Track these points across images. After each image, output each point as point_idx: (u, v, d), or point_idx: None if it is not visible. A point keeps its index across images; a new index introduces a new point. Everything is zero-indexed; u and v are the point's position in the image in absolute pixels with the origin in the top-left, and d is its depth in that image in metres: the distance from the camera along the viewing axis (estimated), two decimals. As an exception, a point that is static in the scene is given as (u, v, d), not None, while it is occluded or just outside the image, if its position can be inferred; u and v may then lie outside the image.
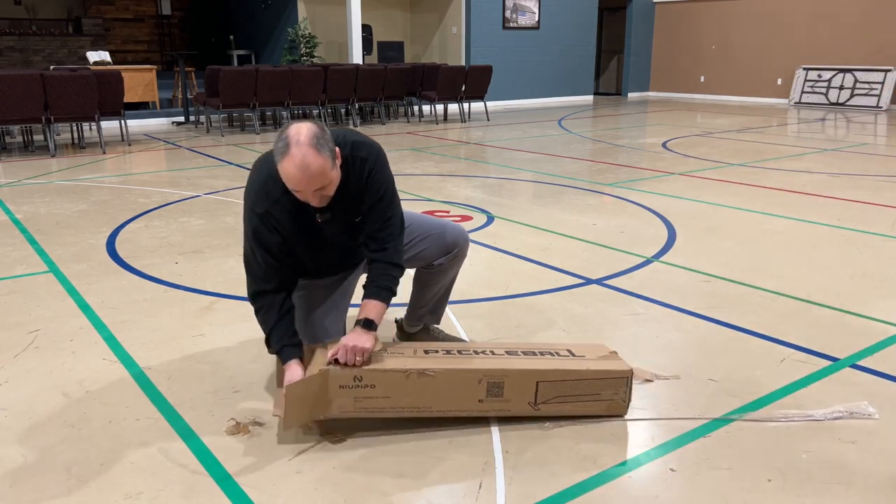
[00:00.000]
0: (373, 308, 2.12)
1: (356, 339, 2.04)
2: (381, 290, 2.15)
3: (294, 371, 2.06)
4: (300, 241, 2.18)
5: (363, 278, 2.29)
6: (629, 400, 2.17)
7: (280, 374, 2.15)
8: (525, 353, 2.18)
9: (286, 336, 2.13)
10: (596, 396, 2.13)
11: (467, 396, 2.08)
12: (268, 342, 2.16)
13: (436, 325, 2.66)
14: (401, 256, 2.21)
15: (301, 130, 1.90)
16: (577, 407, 2.14)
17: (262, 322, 2.16)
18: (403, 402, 2.06)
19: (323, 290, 2.37)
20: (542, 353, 2.18)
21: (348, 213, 2.17)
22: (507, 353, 2.18)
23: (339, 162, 2.00)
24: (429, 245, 2.38)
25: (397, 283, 2.19)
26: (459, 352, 2.19)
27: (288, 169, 1.89)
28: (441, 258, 2.41)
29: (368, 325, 2.09)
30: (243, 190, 2.19)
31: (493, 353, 2.19)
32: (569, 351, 2.22)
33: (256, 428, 2.13)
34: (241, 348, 2.71)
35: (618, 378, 2.13)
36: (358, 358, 2.03)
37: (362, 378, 2.02)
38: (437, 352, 2.18)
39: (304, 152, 1.87)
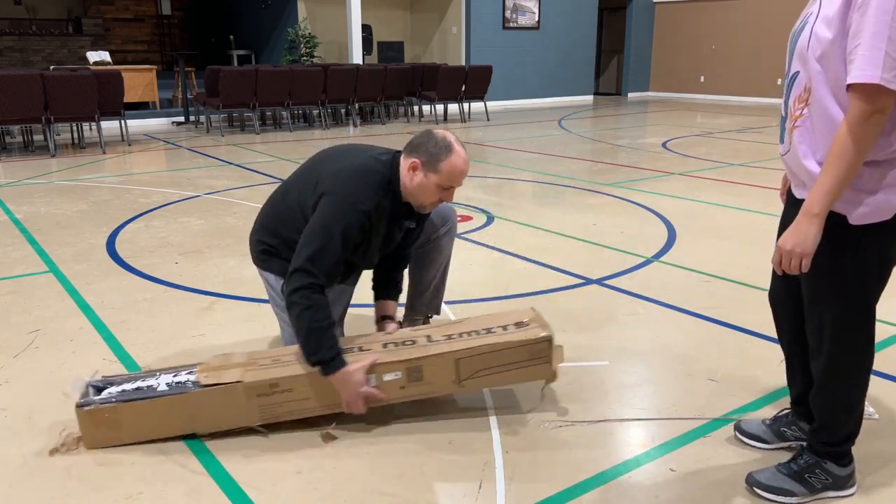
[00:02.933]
0: (392, 307, 2.47)
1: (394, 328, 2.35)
2: (398, 291, 2.49)
3: (358, 375, 2.02)
4: (377, 246, 2.26)
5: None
6: (555, 363, 2.16)
7: (350, 384, 2.04)
8: (447, 338, 2.18)
9: (337, 342, 2.05)
10: (520, 364, 2.14)
11: (390, 386, 2.10)
12: (321, 345, 2.00)
13: (437, 317, 2.69)
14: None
15: (451, 134, 2.17)
16: (504, 377, 2.16)
17: (313, 320, 1.99)
18: (324, 400, 2.08)
19: (332, 292, 2.38)
20: (461, 335, 2.20)
21: (420, 224, 2.40)
22: (429, 340, 2.19)
23: None
24: (430, 216, 2.52)
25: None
26: (385, 345, 2.20)
27: (457, 163, 2.13)
28: (439, 229, 2.54)
29: (392, 319, 2.44)
30: (332, 181, 2.15)
31: (413, 342, 2.19)
32: (487, 328, 2.22)
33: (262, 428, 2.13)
34: (241, 348, 2.71)
35: (537, 343, 2.12)
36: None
37: (279, 384, 2.04)
38: (350, 350, 2.16)
39: (463, 149, 2.16)
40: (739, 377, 2.46)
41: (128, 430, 2.02)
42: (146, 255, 3.92)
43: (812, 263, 1.58)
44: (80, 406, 1.99)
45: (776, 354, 2.64)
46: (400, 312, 2.87)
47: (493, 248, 4.06)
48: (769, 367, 2.54)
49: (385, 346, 2.19)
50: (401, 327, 2.44)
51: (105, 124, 8.97)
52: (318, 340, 1.99)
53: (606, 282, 3.46)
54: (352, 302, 2.54)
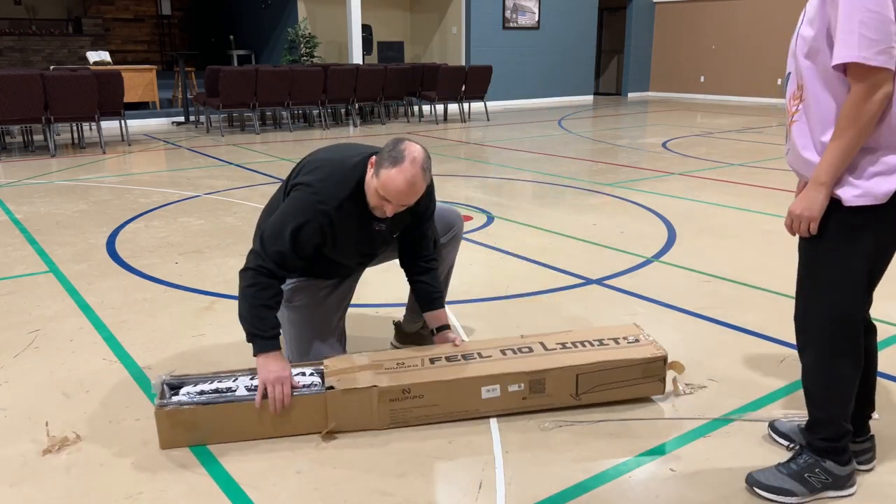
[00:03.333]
0: (444, 315, 2.41)
1: (450, 338, 2.34)
2: (442, 296, 2.43)
3: (279, 362, 2.03)
4: (345, 246, 2.22)
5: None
6: (665, 380, 2.26)
7: (268, 363, 2.04)
8: (562, 347, 2.27)
9: (275, 326, 2.08)
10: (634, 381, 2.23)
11: (512, 397, 2.16)
12: (255, 321, 2.05)
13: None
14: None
15: (418, 151, 2.05)
16: (617, 393, 2.23)
17: (253, 297, 2.05)
18: (451, 408, 2.13)
19: (332, 291, 2.38)
20: (575, 344, 2.29)
21: (395, 229, 2.31)
22: (545, 348, 2.27)
23: None
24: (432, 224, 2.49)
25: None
26: (503, 351, 2.26)
27: (396, 179, 1.99)
28: (444, 236, 2.52)
29: (449, 328, 2.41)
30: (307, 168, 2.18)
31: (530, 349, 2.27)
32: (599, 340, 2.32)
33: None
34: (241, 348, 2.71)
35: (654, 362, 2.22)
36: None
37: (411, 390, 2.09)
38: (471, 356, 2.24)
39: (416, 172, 2.02)
40: (739, 377, 2.46)
41: (204, 432, 2.02)
42: (146, 255, 3.92)
43: (809, 246, 1.70)
44: (160, 406, 1.99)
45: (776, 354, 2.64)
46: (400, 313, 2.87)
47: (493, 248, 4.06)
48: (769, 367, 2.54)
49: (503, 352, 2.25)
50: (424, 331, 2.46)
51: (105, 124, 8.97)
52: (259, 317, 2.04)
53: (606, 282, 3.46)
54: (352, 302, 2.54)
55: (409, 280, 2.43)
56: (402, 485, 1.87)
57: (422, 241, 2.36)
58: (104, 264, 3.76)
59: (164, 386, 2.08)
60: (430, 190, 2.28)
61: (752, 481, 1.83)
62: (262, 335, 2.05)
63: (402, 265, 2.44)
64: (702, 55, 15.84)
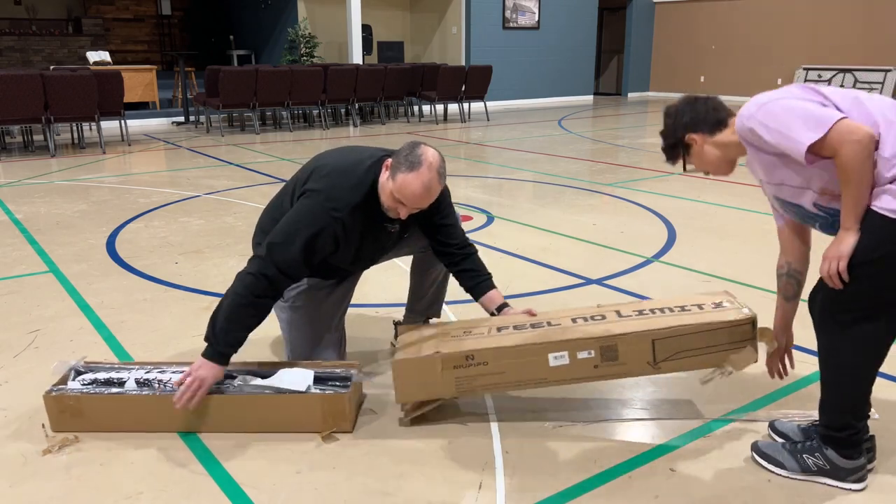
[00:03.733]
0: (499, 296, 2.35)
1: (525, 313, 2.27)
2: (489, 279, 2.37)
3: (215, 371, 2.04)
4: (357, 250, 2.22)
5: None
6: (756, 346, 2.03)
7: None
8: (639, 314, 2.11)
9: (236, 345, 2.08)
10: (720, 347, 2.01)
11: (583, 365, 2.04)
12: (223, 332, 2.04)
13: (437, 319, 2.67)
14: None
15: (435, 155, 2.06)
16: (702, 360, 2.03)
17: (237, 309, 2.04)
18: (518, 376, 2.06)
19: (332, 292, 2.38)
20: (653, 311, 2.12)
21: (405, 230, 2.31)
22: (619, 315, 2.13)
23: None
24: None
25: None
26: (574, 319, 2.17)
27: (413, 183, 2.01)
28: None
29: (508, 306, 2.34)
30: (320, 173, 2.16)
31: (603, 317, 2.14)
32: (681, 307, 2.12)
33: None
34: (241, 348, 2.70)
35: (740, 326, 1.99)
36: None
37: (474, 357, 2.04)
38: (540, 325, 2.15)
39: (432, 177, 2.04)
40: (739, 377, 2.46)
41: (89, 419, 2.09)
42: (146, 255, 3.92)
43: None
44: (48, 391, 2.08)
45: (776, 354, 2.64)
46: (400, 313, 2.87)
47: (493, 248, 4.06)
48: (769, 367, 2.54)
49: (574, 320, 2.14)
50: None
51: (105, 124, 8.97)
52: (229, 331, 2.04)
53: (606, 282, 3.46)
54: (352, 302, 2.54)
55: (452, 273, 2.41)
56: (402, 485, 1.87)
57: (447, 229, 2.34)
58: (104, 264, 3.76)
59: (72, 371, 2.18)
60: (443, 189, 2.29)
61: (755, 447, 1.95)
62: (219, 347, 2.04)
63: (440, 259, 2.41)
64: (702, 55, 15.84)
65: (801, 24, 14.02)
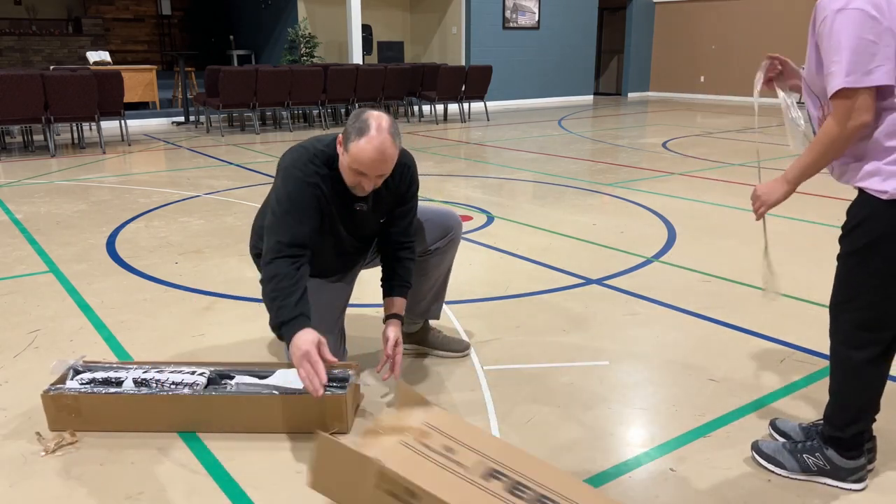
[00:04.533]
0: (399, 304, 2.32)
1: (397, 335, 2.24)
2: (408, 287, 2.34)
3: (307, 335, 1.91)
4: (327, 228, 2.20)
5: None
6: None
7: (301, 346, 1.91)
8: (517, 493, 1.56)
9: (297, 305, 1.97)
10: None
11: None
12: (279, 311, 1.95)
13: (434, 323, 2.67)
14: (415, 252, 2.38)
15: (382, 118, 1.99)
16: None
17: (274, 290, 1.96)
18: None
19: (328, 288, 2.37)
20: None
21: (378, 212, 2.27)
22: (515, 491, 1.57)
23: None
24: (429, 228, 2.46)
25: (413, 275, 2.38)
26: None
27: (365, 149, 1.96)
28: (438, 242, 2.49)
29: (400, 318, 2.31)
30: (279, 166, 2.14)
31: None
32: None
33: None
34: (241, 348, 2.71)
35: None
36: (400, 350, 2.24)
37: (414, 494, 1.50)
38: (499, 477, 1.60)
39: (384, 138, 1.97)
40: (739, 377, 2.46)
41: (87, 418, 2.09)
42: (146, 255, 3.92)
43: (850, 247, 1.76)
44: (46, 390, 2.09)
45: (776, 354, 2.64)
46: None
47: (493, 248, 4.06)
48: (769, 367, 2.54)
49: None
50: (428, 333, 2.41)
51: (105, 124, 8.97)
52: (282, 307, 1.95)
53: (606, 282, 3.46)
54: (352, 302, 2.54)
55: (382, 263, 2.37)
56: (402, 485, 1.86)
57: (399, 222, 2.29)
58: (104, 264, 3.76)
59: (71, 371, 2.18)
60: (410, 170, 2.28)
61: (755, 447, 1.95)
62: (286, 321, 1.94)
63: (378, 247, 2.39)
64: (701, 55, 15.84)
65: (801, 24, 14.01)
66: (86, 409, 2.08)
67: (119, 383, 2.13)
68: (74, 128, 8.57)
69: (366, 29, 12.97)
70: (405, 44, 14.56)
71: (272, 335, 2.80)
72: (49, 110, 7.32)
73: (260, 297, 3.21)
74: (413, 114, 11.56)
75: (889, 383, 2.41)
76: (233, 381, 2.15)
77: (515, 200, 5.31)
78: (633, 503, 1.79)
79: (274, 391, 2.10)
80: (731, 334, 2.83)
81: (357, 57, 11.90)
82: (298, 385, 2.08)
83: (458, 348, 2.62)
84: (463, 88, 10.85)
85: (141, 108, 10.56)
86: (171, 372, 2.17)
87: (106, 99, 7.72)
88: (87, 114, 7.56)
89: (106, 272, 3.63)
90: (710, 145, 8.27)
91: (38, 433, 2.09)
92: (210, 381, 2.15)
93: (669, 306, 3.13)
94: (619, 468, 1.94)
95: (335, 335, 2.39)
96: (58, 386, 2.12)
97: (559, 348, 2.70)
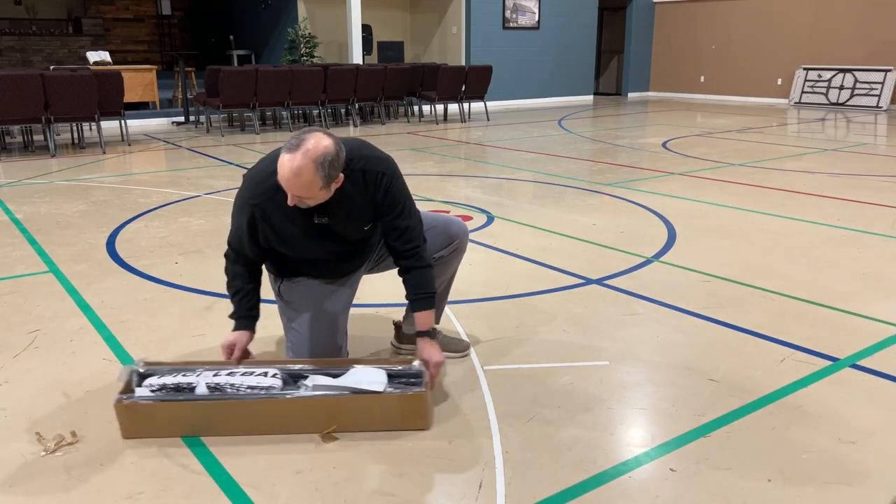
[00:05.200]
0: (425, 318, 2.27)
1: (435, 353, 2.23)
2: (428, 298, 2.27)
3: (242, 335, 2.26)
4: (295, 238, 2.20)
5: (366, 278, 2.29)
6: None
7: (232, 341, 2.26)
8: None
9: (248, 309, 2.29)
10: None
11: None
12: (234, 305, 2.29)
13: (435, 325, 2.66)
14: (427, 259, 2.30)
15: (320, 143, 1.97)
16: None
17: (228, 286, 2.30)
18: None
19: (328, 291, 2.37)
20: None
21: (349, 223, 2.22)
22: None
23: (335, 186, 2.05)
24: (431, 238, 2.41)
25: (433, 284, 2.30)
26: None
27: (283, 164, 1.98)
28: (442, 250, 2.46)
29: (434, 334, 2.29)
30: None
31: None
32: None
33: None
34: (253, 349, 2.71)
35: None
36: (442, 370, 2.25)
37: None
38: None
39: (304, 163, 1.94)
40: (739, 377, 2.46)
41: (162, 426, 2.06)
42: (146, 255, 3.92)
43: None
44: (118, 400, 2.04)
45: (776, 354, 2.64)
46: (400, 313, 2.87)
47: (493, 248, 4.06)
48: (769, 367, 2.54)
49: None
50: (435, 342, 2.30)
51: (105, 124, 8.97)
52: (236, 302, 2.29)
53: (606, 282, 3.46)
54: (354, 302, 2.53)
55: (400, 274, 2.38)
56: (402, 485, 1.87)
57: (392, 232, 2.24)
58: (104, 264, 3.76)
59: (134, 375, 2.14)
60: (384, 177, 2.16)
61: None
62: (235, 316, 2.29)
63: (391, 257, 2.37)
64: (702, 55, 15.84)
65: (801, 24, 14.02)
66: (161, 418, 2.04)
67: (192, 389, 2.09)
68: (74, 128, 8.56)
69: (366, 29, 12.97)
70: (405, 44, 14.56)
71: (272, 335, 2.80)
72: (49, 110, 7.32)
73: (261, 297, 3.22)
74: (413, 114, 11.56)
75: (887, 384, 2.41)
76: (306, 382, 2.15)
77: (515, 200, 5.31)
78: (633, 503, 1.79)
79: (348, 391, 2.09)
80: (731, 334, 2.83)
81: (357, 57, 11.90)
82: (371, 384, 2.10)
83: (458, 349, 2.62)
84: (463, 88, 10.85)
85: (141, 108, 10.56)
86: (243, 375, 2.14)
87: (106, 99, 7.71)
88: (87, 114, 7.55)
89: (106, 272, 3.63)
90: (710, 145, 8.27)
91: (38, 433, 2.09)
92: (284, 383, 2.14)
93: (669, 306, 3.13)
94: (619, 468, 1.94)
95: (336, 336, 2.38)
96: (128, 395, 2.07)
97: (559, 348, 2.70)
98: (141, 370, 2.17)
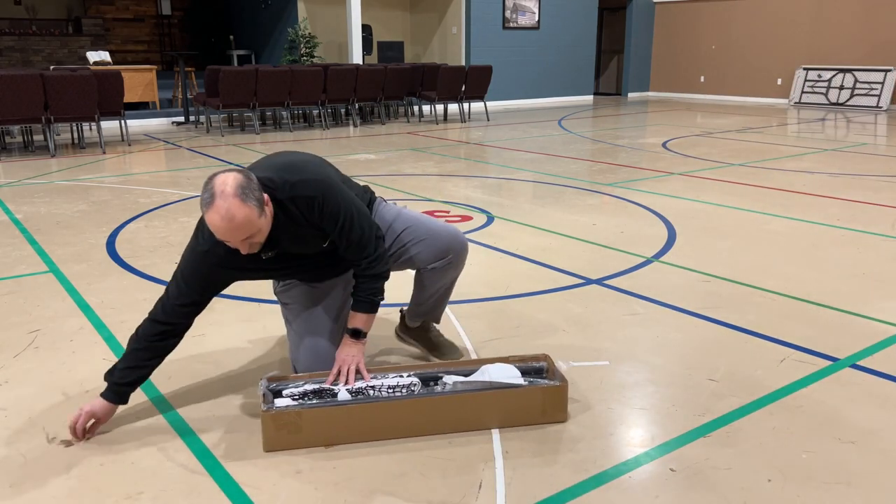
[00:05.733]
0: (360, 319, 2.24)
1: (349, 352, 2.19)
2: (364, 303, 2.24)
3: (101, 407, 2.09)
4: (256, 274, 2.19)
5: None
6: None
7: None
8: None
9: (124, 381, 2.10)
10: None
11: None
12: (116, 366, 2.11)
13: (435, 325, 2.66)
14: (381, 266, 2.23)
15: (227, 181, 1.88)
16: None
17: (129, 346, 2.11)
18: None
19: (322, 292, 2.37)
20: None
21: (301, 246, 2.17)
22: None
23: (268, 209, 1.96)
24: (421, 250, 2.36)
25: (381, 291, 2.26)
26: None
27: (213, 220, 1.87)
28: (434, 263, 2.39)
29: (356, 334, 2.23)
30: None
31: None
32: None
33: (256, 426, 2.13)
34: (241, 348, 2.71)
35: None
36: (354, 374, 2.16)
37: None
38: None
39: (230, 204, 1.85)
40: (739, 377, 2.46)
41: (307, 435, 2.03)
42: (146, 255, 3.92)
43: None
44: (265, 409, 2.00)
45: (776, 354, 2.64)
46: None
47: (493, 248, 4.06)
48: (769, 367, 2.54)
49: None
50: (357, 342, 2.24)
51: (105, 124, 8.98)
52: (120, 360, 2.11)
53: (606, 282, 3.46)
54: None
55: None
56: (402, 485, 1.87)
57: (341, 246, 2.18)
58: (104, 264, 3.76)
59: (266, 391, 2.08)
60: (316, 200, 2.05)
61: None
62: (107, 380, 2.11)
63: None
64: (702, 55, 15.84)
65: (801, 24, 14.02)
66: (307, 425, 2.02)
67: (334, 395, 2.09)
68: (74, 128, 8.57)
69: (366, 29, 12.97)
70: (405, 44, 14.56)
71: (272, 335, 2.80)
72: (49, 110, 7.32)
73: (258, 297, 3.22)
74: (413, 114, 11.56)
75: (888, 384, 2.41)
76: (445, 379, 2.16)
77: (515, 200, 5.31)
78: (633, 503, 1.79)
79: (493, 386, 2.11)
80: (731, 334, 2.83)
81: (357, 57, 11.90)
82: (505, 378, 2.13)
83: (450, 354, 2.60)
84: (463, 88, 10.85)
85: (141, 108, 10.56)
86: (377, 379, 2.14)
87: (106, 99, 7.71)
88: (87, 114, 7.55)
89: (106, 272, 3.63)
90: (710, 145, 8.27)
91: (46, 433, 2.09)
92: (422, 383, 2.16)
93: (669, 306, 3.13)
94: (619, 468, 1.94)
95: (336, 337, 2.38)
96: (273, 404, 2.04)
97: (559, 348, 2.70)
98: (270, 387, 2.12)
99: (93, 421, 2.08)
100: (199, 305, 2.14)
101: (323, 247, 2.20)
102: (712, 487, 1.85)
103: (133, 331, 2.14)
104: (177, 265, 2.17)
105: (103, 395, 2.09)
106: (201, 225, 2.11)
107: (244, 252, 1.97)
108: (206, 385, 2.41)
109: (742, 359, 2.61)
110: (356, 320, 2.24)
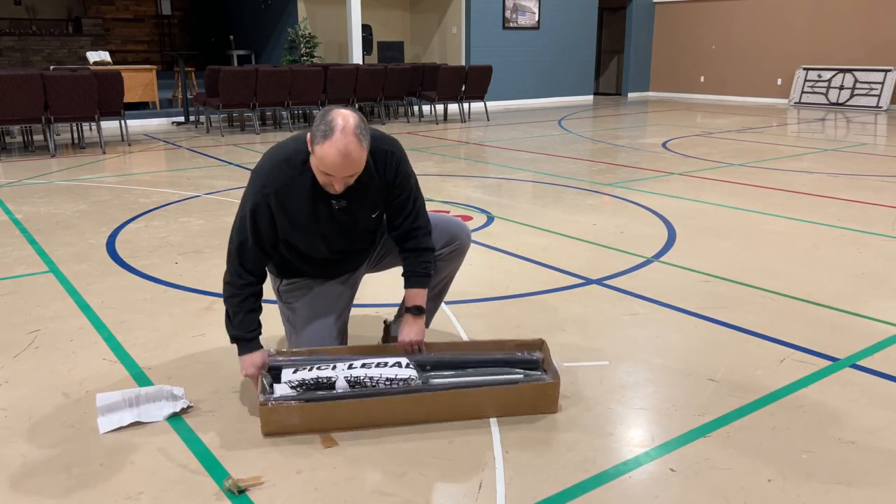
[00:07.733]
0: (418, 295, 2.30)
1: (412, 331, 2.27)
2: (422, 277, 2.30)
3: (258, 356, 2.17)
4: (308, 229, 2.18)
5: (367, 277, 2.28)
6: None
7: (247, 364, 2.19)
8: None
9: (253, 329, 2.19)
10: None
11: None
12: (237, 326, 2.18)
13: (432, 325, 2.66)
14: (431, 241, 2.33)
15: (348, 118, 1.96)
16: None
17: (233, 306, 2.18)
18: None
19: (328, 291, 2.37)
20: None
21: (364, 206, 2.22)
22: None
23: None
24: (433, 235, 2.40)
25: (433, 265, 2.34)
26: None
27: (329, 152, 1.93)
28: (441, 249, 2.44)
29: (420, 311, 2.30)
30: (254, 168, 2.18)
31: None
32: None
33: (257, 427, 2.13)
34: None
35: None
36: (420, 348, 2.28)
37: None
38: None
39: (349, 140, 1.93)
40: (739, 377, 2.46)
41: (306, 423, 2.08)
42: (146, 255, 3.92)
43: None
44: (262, 402, 2.05)
45: (776, 354, 2.64)
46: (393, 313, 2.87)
47: (493, 248, 4.06)
48: (769, 367, 2.54)
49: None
50: (420, 318, 2.31)
51: (105, 124, 8.97)
52: (241, 322, 2.17)
53: (606, 282, 3.46)
54: (354, 301, 2.54)
55: (401, 258, 2.38)
56: (402, 485, 1.87)
57: (400, 212, 2.27)
58: (104, 264, 3.76)
59: (263, 381, 2.13)
60: (394, 156, 2.21)
61: None
62: (243, 338, 2.18)
63: (395, 242, 2.38)
64: (702, 55, 15.84)
65: (801, 24, 14.02)
66: (306, 417, 2.07)
67: (332, 384, 2.11)
68: (74, 128, 8.57)
69: (366, 29, 12.97)
70: (405, 44, 14.56)
71: (272, 335, 2.80)
72: (49, 110, 7.32)
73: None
74: (413, 114, 11.56)
75: (887, 384, 2.41)
76: (443, 372, 2.21)
77: (515, 200, 5.31)
78: (633, 503, 1.79)
79: (480, 379, 2.17)
80: (731, 334, 2.83)
81: (357, 57, 11.90)
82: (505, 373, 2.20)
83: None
84: (463, 88, 10.85)
85: (141, 108, 10.56)
86: (377, 367, 2.16)
87: (106, 99, 7.71)
88: (87, 114, 7.55)
89: (106, 272, 3.63)
90: (710, 145, 8.27)
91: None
92: (420, 367, 2.20)
93: (669, 306, 3.13)
94: (619, 468, 1.94)
95: (336, 338, 2.38)
96: (269, 396, 2.08)
97: (559, 348, 2.70)
98: (273, 362, 2.20)
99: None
100: (267, 253, 2.19)
101: (372, 217, 2.26)
102: (712, 487, 1.85)
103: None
104: (229, 241, 2.20)
105: (246, 349, 2.16)
106: (270, 170, 2.11)
107: (339, 188, 2.02)
108: (206, 385, 2.41)
109: (742, 359, 2.61)
110: (416, 297, 2.30)
